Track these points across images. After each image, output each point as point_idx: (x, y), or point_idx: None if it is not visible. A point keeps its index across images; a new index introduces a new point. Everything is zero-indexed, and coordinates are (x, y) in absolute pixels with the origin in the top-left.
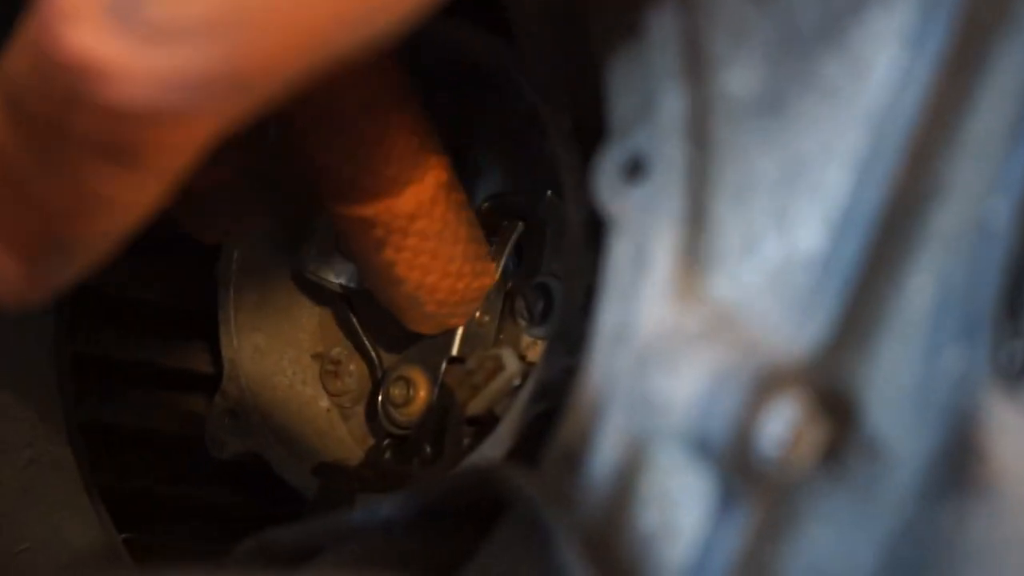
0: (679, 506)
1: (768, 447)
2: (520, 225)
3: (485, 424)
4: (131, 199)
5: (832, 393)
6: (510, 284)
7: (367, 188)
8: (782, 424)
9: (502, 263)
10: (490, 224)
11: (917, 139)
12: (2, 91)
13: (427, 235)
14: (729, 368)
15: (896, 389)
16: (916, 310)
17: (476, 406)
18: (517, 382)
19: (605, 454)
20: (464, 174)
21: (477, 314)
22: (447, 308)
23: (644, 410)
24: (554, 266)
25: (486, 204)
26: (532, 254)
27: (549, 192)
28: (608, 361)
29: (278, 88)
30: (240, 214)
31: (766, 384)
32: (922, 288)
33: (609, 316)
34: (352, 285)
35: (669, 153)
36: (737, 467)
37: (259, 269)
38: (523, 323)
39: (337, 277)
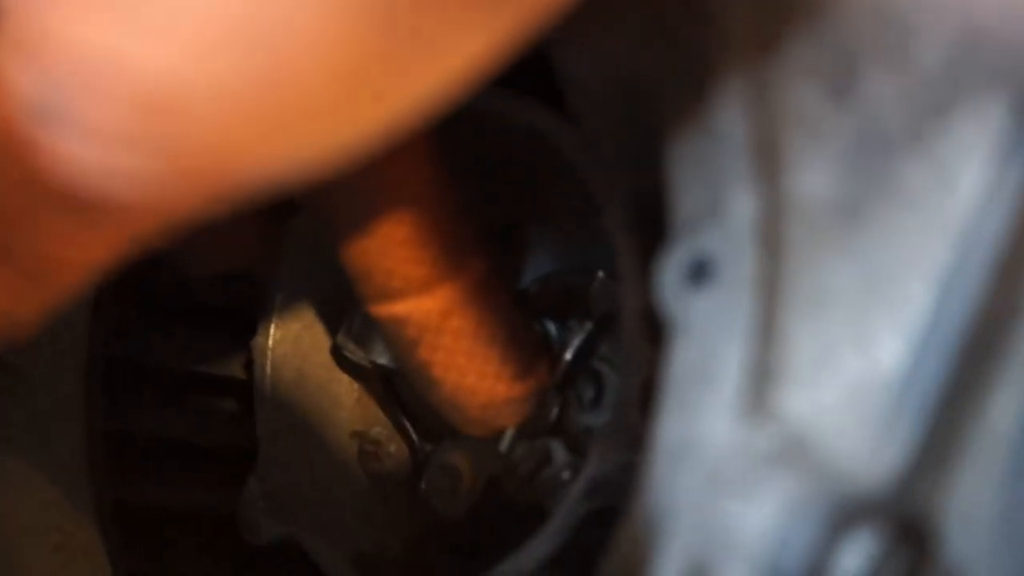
0: None
1: None
2: (589, 326)
3: (534, 518)
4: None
5: (911, 522)
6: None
7: (397, 287)
8: (860, 559)
9: (562, 365)
10: (540, 306)
11: (1005, 257)
12: None
13: (462, 334)
14: (805, 497)
15: (978, 517)
16: (999, 434)
17: (524, 498)
18: (567, 475)
19: None
20: (512, 250)
21: None
22: (492, 411)
23: (712, 534)
24: (605, 350)
25: (535, 285)
26: (586, 339)
27: (601, 273)
28: (671, 477)
29: (210, 202)
30: (235, 250)
31: (844, 515)
32: (1006, 412)
33: (672, 429)
34: (392, 365)
35: (738, 258)
36: None
37: (296, 344)
38: (574, 410)
39: (377, 356)
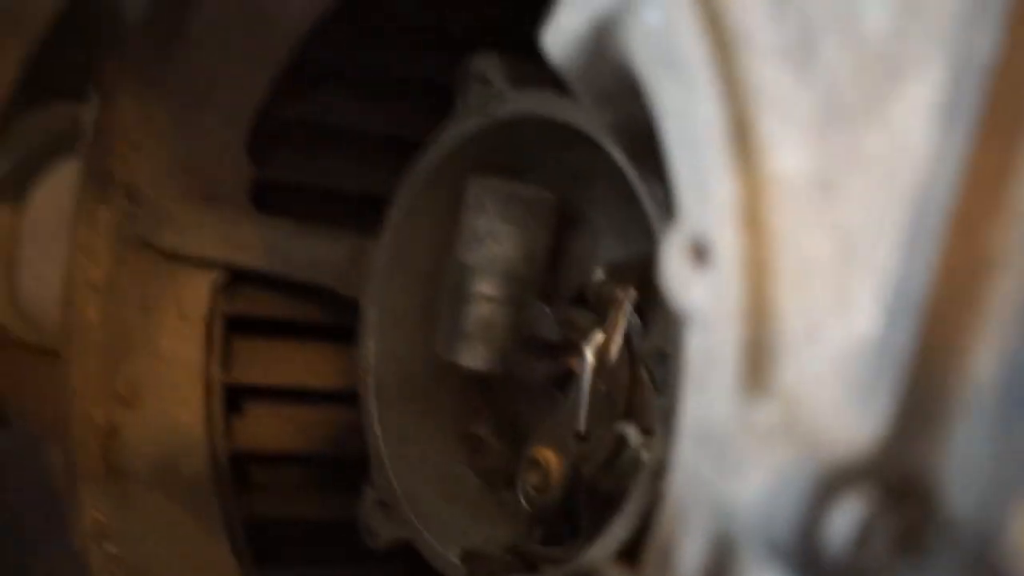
0: None
1: (837, 546)
2: (632, 293)
3: (621, 500)
4: None
5: (905, 479)
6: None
7: None
8: (848, 522)
9: (618, 337)
10: (609, 292)
11: (960, 211)
12: None
13: None
14: (793, 466)
15: (972, 469)
16: (982, 387)
17: (606, 483)
18: (647, 455)
19: (691, 555)
20: (582, 239)
21: (602, 386)
22: None
23: (721, 513)
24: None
25: (601, 274)
26: (655, 319)
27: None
28: (691, 458)
29: None
30: None
31: (831, 482)
32: (986, 364)
33: (690, 412)
34: (484, 367)
35: (727, 240)
36: (810, 566)
37: (397, 354)
38: (648, 393)
39: (470, 360)
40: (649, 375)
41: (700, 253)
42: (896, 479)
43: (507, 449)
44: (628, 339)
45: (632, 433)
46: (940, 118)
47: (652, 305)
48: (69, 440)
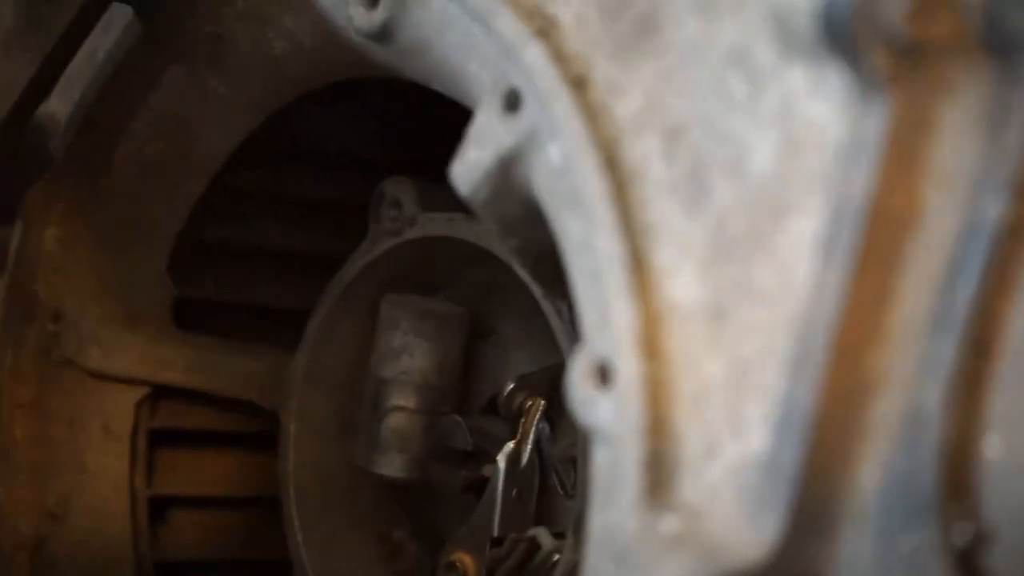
0: None
1: None
2: (541, 403)
3: None
4: None
5: None
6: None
7: None
8: None
9: (528, 445)
10: (519, 402)
11: (841, 336)
12: None
13: None
14: (696, 573)
15: (859, 573)
16: (866, 498)
17: None
18: (557, 558)
19: None
20: (493, 351)
21: (513, 491)
22: None
23: None
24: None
25: (512, 384)
26: (564, 426)
27: None
28: (598, 566)
29: None
30: None
31: None
32: (869, 476)
33: (596, 522)
34: (402, 476)
35: (627, 364)
36: None
37: (316, 463)
38: (559, 497)
39: (387, 470)
40: (559, 480)
41: (603, 375)
42: None
43: (425, 553)
44: (538, 446)
45: (544, 536)
46: (821, 250)
47: (561, 413)
48: None
